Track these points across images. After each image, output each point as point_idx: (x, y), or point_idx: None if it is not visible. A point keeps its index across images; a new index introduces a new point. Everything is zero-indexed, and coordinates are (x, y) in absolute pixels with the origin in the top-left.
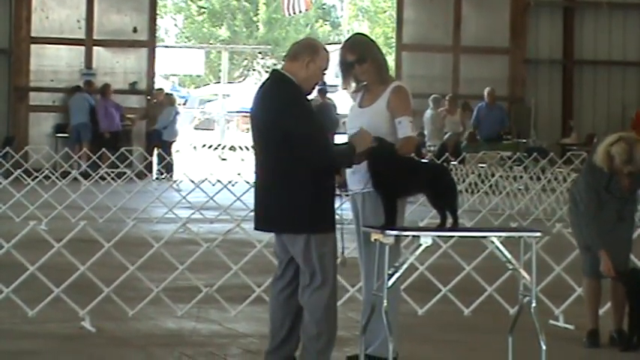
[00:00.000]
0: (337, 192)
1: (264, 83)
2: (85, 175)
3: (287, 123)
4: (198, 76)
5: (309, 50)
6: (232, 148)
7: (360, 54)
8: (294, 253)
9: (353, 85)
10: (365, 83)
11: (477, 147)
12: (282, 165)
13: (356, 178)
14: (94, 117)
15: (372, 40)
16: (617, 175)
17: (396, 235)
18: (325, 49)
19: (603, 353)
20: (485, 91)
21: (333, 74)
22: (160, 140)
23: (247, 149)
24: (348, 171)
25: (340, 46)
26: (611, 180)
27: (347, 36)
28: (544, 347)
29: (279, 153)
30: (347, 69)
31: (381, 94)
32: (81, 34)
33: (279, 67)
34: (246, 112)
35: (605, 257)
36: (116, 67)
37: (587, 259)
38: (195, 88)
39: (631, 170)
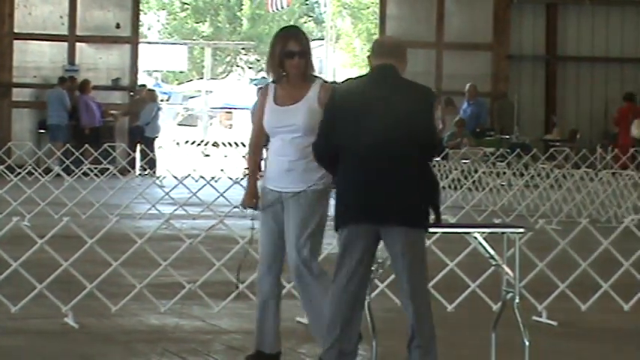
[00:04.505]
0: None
1: (375, 76)
2: (68, 171)
3: (431, 120)
4: (182, 72)
5: (405, 52)
6: (215, 144)
7: (304, 46)
8: (409, 250)
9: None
10: (284, 75)
11: (462, 133)
12: (414, 160)
13: (291, 177)
14: (74, 113)
15: None
16: None
17: None
18: None
19: (592, 349)
20: (466, 87)
21: (317, 69)
22: (143, 136)
23: (230, 145)
24: (280, 169)
25: (281, 34)
26: None
27: (330, 32)
28: (527, 343)
29: (415, 149)
30: (285, 57)
31: (305, 92)
32: (64, 30)
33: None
34: (230, 108)
35: None
36: (99, 63)
37: None
38: (179, 84)
39: None
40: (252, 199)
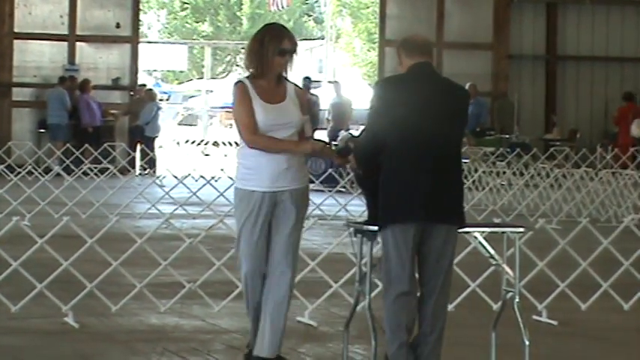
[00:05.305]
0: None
1: (416, 74)
2: (68, 171)
3: (467, 119)
4: (182, 71)
5: (433, 49)
6: (215, 144)
7: (295, 46)
8: (447, 248)
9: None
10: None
11: None
12: (458, 159)
13: (289, 175)
14: (74, 113)
15: None
16: None
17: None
18: None
19: (592, 348)
20: (466, 87)
21: (316, 69)
22: (143, 136)
23: (230, 145)
24: (278, 169)
25: (274, 31)
26: None
27: (331, 32)
28: (527, 342)
29: (456, 147)
30: (278, 55)
31: (284, 91)
32: (64, 30)
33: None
34: (230, 107)
35: None
36: (99, 62)
37: None
38: (179, 83)
39: None
40: (320, 144)
